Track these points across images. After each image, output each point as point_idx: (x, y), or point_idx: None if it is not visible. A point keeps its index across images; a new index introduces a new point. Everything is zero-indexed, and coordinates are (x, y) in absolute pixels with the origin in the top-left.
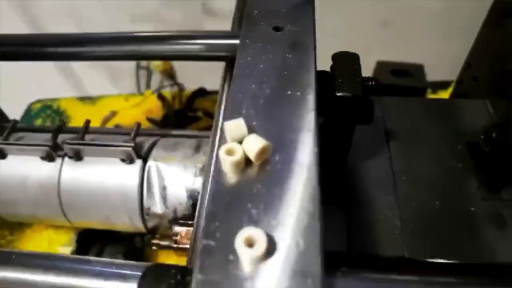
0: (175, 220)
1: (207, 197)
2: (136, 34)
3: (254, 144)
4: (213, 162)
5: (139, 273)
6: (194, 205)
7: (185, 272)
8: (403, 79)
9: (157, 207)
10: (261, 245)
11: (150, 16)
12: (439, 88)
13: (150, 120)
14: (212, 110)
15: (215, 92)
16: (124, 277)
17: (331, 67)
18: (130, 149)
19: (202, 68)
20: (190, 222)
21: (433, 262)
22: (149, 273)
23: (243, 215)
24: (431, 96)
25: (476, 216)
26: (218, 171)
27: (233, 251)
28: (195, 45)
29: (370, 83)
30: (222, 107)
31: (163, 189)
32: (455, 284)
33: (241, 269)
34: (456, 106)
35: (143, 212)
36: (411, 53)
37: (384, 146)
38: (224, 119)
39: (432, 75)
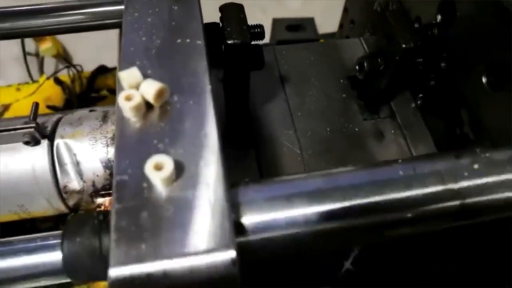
0: (96, 193)
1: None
2: (15, 8)
3: (150, 87)
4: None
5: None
6: (111, 174)
7: (106, 214)
8: (296, 33)
9: (74, 183)
10: (169, 167)
11: None
12: (329, 38)
13: (50, 108)
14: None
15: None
16: (51, 247)
17: (220, 18)
18: (32, 129)
19: (100, 45)
20: (111, 192)
21: None
22: (71, 221)
23: (151, 150)
24: None
25: (360, 134)
26: (121, 118)
27: (146, 180)
28: (82, 15)
29: (256, 30)
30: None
31: (77, 164)
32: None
33: (154, 192)
34: (337, 47)
35: (61, 191)
36: (304, 7)
37: (280, 89)
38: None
39: (323, 27)
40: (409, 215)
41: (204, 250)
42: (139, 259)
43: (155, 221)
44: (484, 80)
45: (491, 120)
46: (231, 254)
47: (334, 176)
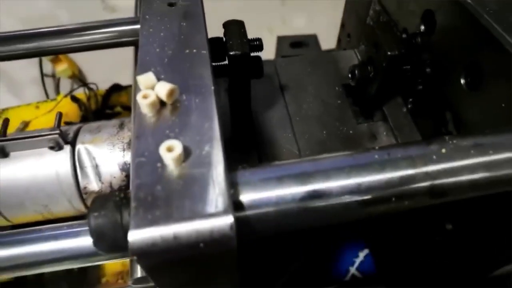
0: None
1: (132, 166)
2: (37, 30)
3: (163, 87)
4: (133, 143)
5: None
6: (127, 176)
7: (126, 192)
8: (300, 50)
9: (94, 185)
10: (178, 149)
11: (44, 18)
12: None
13: (68, 124)
14: (130, 104)
15: (130, 86)
16: (78, 234)
17: (223, 33)
18: (57, 135)
19: (113, 66)
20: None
21: None
22: (96, 198)
23: (163, 138)
24: None
25: (354, 136)
26: (139, 114)
27: (160, 161)
28: (101, 34)
29: (255, 43)
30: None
31: (96, 167)
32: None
33: (167, 171)
34: (333, 58)
35: (81, 192)
36: (308, 23)
37: (280, 97)
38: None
39: (327, 44)
40: (385, 194)
41: (207, 215)
42: (154, 222)
43: (167, 192)
44: (462, 81)
45: (471, 117)
46: (229, 218)
47: (320, 161)
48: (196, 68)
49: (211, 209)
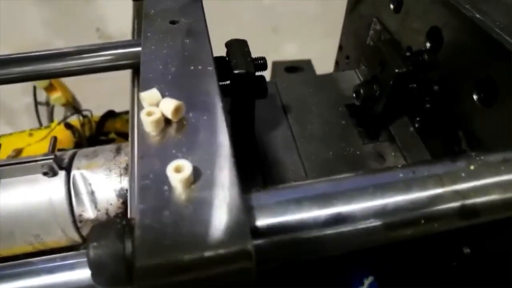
0: None
1: (136, 189)
2: (34, 53)
3: (169, 104)
4: (135, 151)
5: (83, 259)
6: (124, 203)
7: (129, 219)
8: (295, 74)
9: (89, 212)
10: (188, 169)
11: (40, 47)
12: None
13: (61, 151)
14: (124, 130)
15: (125, 113)
16: (73, 267)
17: (226, 53)
18: (51, 161)
19: (108, 93)
20: None
21: None
22: (94, 229)
23: (170, 158)
24: None
25: (361, 157)
26: (142, 132)
27: (167, 183)
28: (100, 57)
29: (259, 61)
30: (136, 109)
31: (92, 194)
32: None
33: (175, 194)
34: (335, 79)
35: (75, 220)
36: (301, 51)
37: (284, 118)
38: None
39: (321, 68)
40: (413, 216)
41: (222, 243)
42: (162, 253)
43: (176, 218)
44: (475, 97)
45: (486, 134)
46: (249, 246)
47: (339, 181)
48: (202, 84)
49: (226, 236)
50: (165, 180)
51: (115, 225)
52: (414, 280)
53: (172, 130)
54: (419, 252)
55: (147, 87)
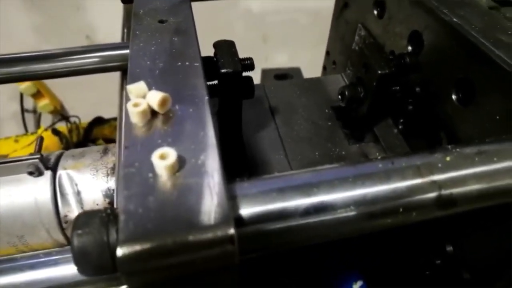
0: None
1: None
2: (22, 54)
3: (155, 96)
4: (122, 153)
5: (68, 255)
6: (110, 203)
7: (113, 208)
8: (284, 82)
9: (75, 213)
10: (172, 156)
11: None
12: None
13: None
14: (112, 137)
15: (113, 119)
16: (57, 262)
17: (214, 53)
18: (37, 160)
19: (96, 101)
20: None
21: None
22: (79, 218)
23: (155, 148)
24: None
25: (347, 157)
26: (128, 124)
27: (152, 171)
28: (88, 59)
29: (246, 62)
30: (124, 111)
31: (78, 194)
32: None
33: (159, 181)
34: (321, 82)
35: (61, 221)
36: (290, 60)
37: (271, 120)
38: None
39: (310, 76)
40: (392, 205)
41: (206, 227)
42: (146, 237)
43: (160, 204)
44: (454, 97)
45: (466, 133)
46: (231, 231)
47: (322, 171)
48: (189, 79)
49: (210, 221)
50: (150, 168)
51: (100, 213)
52: (402, 280)
53: (158, 122)
54: (404, 254)
55: (134, 81)
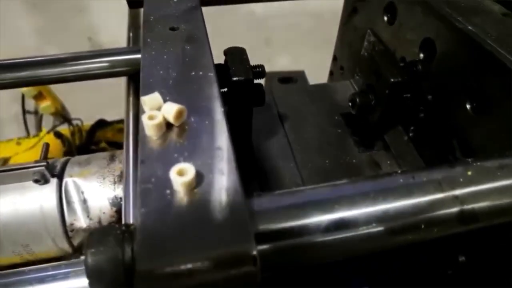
0: None
1: (131, 197)
2: (29, 59)
3: (171, 108)
4: (131, 158)
5: (77, 268)
6: (117, 211)
7: (128, 225)
8: (288, 85)
9: (81, 221)
10: (191, 172)
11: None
12: None
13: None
14: (116, 139)
15: (116, 122)
16: (67, 276)
17: (225, 60)
18: (43, 168)
19: (98, 102)
20: None
21: None
22: (93, 235)
23: (172, 162)
24: None
25: (357, 165)
26: (144, 136)
27: (169, 187)
28: (96, 64)
29: (257, 69)
30: (131, 116)
31: (84, 202)
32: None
33: (177, 197)
34: (330, 88)
35: (67, 229)
36: (293, 63)
37: (280, 127)
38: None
39: (313, 79)
40: (414, 221)
41: (226, 247)
42: (165, 256)
43: (179, 222)
44: (468, 106)
45: (479, 142)
46: (252, 250)
47: (341, 186)
48: (203, 89)
49: (231, 240)
50: (167, 183)
51: (114, 230)
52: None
53: (173, 134)
54: (414, 261)
55: (148, 92)
